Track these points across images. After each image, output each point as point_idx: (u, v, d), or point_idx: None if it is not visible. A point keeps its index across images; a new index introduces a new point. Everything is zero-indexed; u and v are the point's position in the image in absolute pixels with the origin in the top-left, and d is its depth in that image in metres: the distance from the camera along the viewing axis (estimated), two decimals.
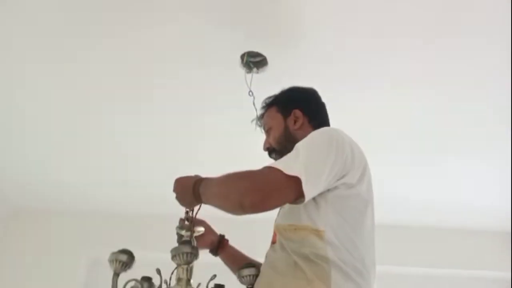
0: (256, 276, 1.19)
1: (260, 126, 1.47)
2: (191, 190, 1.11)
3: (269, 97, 1.43)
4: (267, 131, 1.39)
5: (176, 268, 1.15)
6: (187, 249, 1.11)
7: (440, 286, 3.22)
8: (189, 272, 1.14)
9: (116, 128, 2.40)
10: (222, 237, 1.43)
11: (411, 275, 3.20)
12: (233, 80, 1.96)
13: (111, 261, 1.16)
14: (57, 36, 1.81)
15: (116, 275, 1.15)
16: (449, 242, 3.19)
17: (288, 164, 1.01)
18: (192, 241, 1.20)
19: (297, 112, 1.33)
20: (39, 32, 1.80)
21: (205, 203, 1.11)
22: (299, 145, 1.07)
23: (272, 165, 1.02)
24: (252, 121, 1.53)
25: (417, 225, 3.20)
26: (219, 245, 1.41)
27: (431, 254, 3.16)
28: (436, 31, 1.72)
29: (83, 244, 3.07)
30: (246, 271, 1.20)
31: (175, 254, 1.12)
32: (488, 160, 2.50)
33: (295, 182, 0.97)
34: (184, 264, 1.10)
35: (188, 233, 1.21)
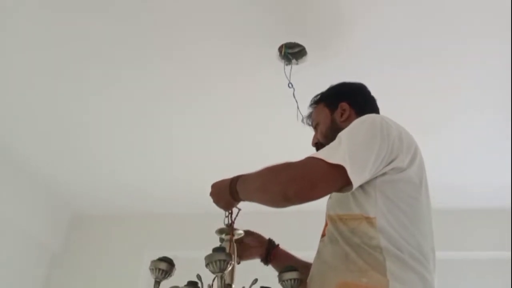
0: (298, 280, 1.12)
1: (309, 125, 1.46)
2: (227, 189, 1.11)
3: (317, 95, 1.43)
4: (315, 127, 1.39)
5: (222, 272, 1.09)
6: (220, 256, 1.06)
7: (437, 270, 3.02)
8: (228, 277, 1.11)
9: (173, 128, 2.45)
10: (271, 245, 1.35)
11: None
12: (273, 73, 1.96)
13: (151, 269, 1.16)
14: (119, 43, 1.89)
15: (157, 283, 1.15)
16: (446, 223, 2.91)
17: (330, 153, 0.99)
18: (232, 245, 1.18)
19: (344, 105, 1.31)
20: (99, 38, 1.87)
21: (244, 200, 1.10)
22: (341, 134, 1.05)
23: (314, 155, 1.01)
24: (302, 119, 1.51)
25: None
26: (269, 254, 1.34)
27: None
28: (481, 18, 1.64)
29: (144, 245, 3.15)
30: (288, 275, 1.13)
31: (208, 262, 1.06)
32: (487, 135, 2.36)
33: (339, 170, 0.95)
34: (219, 272, 1.05)
35: (228, 237, 1.20)
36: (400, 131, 1.08)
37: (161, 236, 3.15)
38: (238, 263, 1.24)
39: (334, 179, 0.97)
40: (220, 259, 1.05)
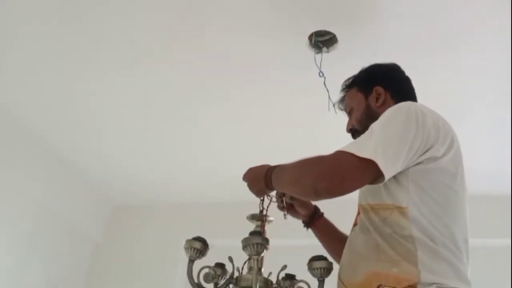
0: (327, 269, 1.16)
1: (341, 109, 1.42)
2: (262, 177, 1.12)
3: (348, 78, 1.38)
4: (349, 113, 1.34)
5: (248, 259, 1.15)
6: (257, 239, 1.10)
7: None
8: (260, 261, 1.14)
9: (204, 119, 2.48)
10: (316, 213, 1.39)
11: None
12: (303, 62, 1.95)
13: (186, 248, 1.21)
14: (136, 36, 1.93)
15: (191, 261, 1.20)
16: None
17: (361, 146, 0.97)
18: (263, 231, 1.21)
19: (378, 89, 1.27)
20: (114, 33, 1.92)
21: (277, 190, 1.12)
22: (374, 125, 1.03)
23: (344, 149, 0.99)
24: (334, 105, 1.48)
25: None
26: (313, 218, 1.38)
27: None
28: None
29: (181, 234, 3.22)
30: (317, 264, 1.17)
31: (245, 244, 1.11)
32: (487, 122, 2.28)
33: (370, 164, 0.94)
34: (255, 254, 1.10)
35: (259, 223, 1.23)
36: (437, 120, 1.06)
37: (195, 224, 3.19)
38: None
39: (364, 173, 0.96)
40: (257, 243, 1.09)
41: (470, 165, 2.64)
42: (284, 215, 1.34)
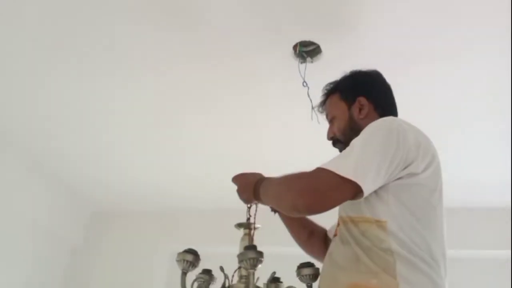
0: (316, 275, 1.18)
1: (321, 112, 1.42)
2: (252, 188, 1.14)
3: (331, 83, 1.38)
4: (331, 120, 1.34)
5: (239, 267, 1.18)
6: (252, 254, 1.13)
7: None
8: (252, 277, 1.16)
9: (190, 126, 2.48)
10: None
11: None
12: (287, 72, 1.97)
13: (179, 261, 1.22)
14: (134, 44, 1.93)
15: (184, 274, 1.22)
16: (446, 221, 2.90)
17: (341, 164, 0.98)
18: (251, 239, 1.23)
19: (362, 99, 1.26)
20: (106, 40, 1.91)
21: (263, 203, 1.13)
22: (354, 141, 1.04)
23: (325, 166, 1.00)
24: (313, 108, 1.48)
25: None
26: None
27: None
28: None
29: (160, 240, 3.21)
30: (306, 270, 1.20)
31: (242, 259, 1.13)
32: (487, 134, 2.32)
33: (350, 182, 0.95)
34: (251, 268, 1.12)
35: (247, 231, 1.25)
36: (418, 136, 1.07)
37: (176, 231, 3.20)
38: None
39: (344, 192, 0.98)
40: (252, 257, 1.12)
41: (470, 177, 2.67)
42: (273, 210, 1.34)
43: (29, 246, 2.84)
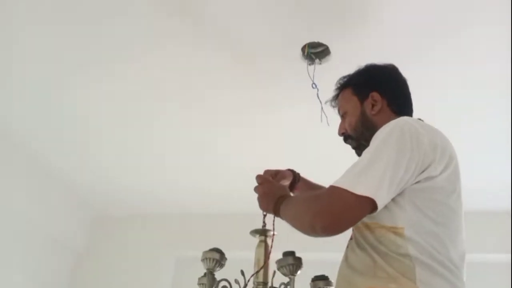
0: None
1: (333, 107, 1.37)
2: (273, 202, 1.12)
3: (344, 77, 1.33)
4: (342, 115, 1.30)
5: (256, 271, 1.16)
6: (291, 260, 1.13)
7: None
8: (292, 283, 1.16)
9: (193, 130, 2.47)
10: (295, 175, 1.43)
11: None
12: (296, 74, 1.95)
13: (204, 259, 1.19)
14: (123, 39, 1.91)
15: (210, 273, 1.18)
16: None
17: (356, 182, 0.95)
18: (266, 246, 1.22)
19: (375, 95, 1.22)
20: (99, 35, 1.91)
21: (282, 219, 1.12)
22: (365, 153, 1.00)
23: (339, 184, 0.97)
24: (326, 102, 1.42)
25: None
26: (294, 183, 1.41)
27: None
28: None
29: (164, 245, 3.19)
30: (321, 283, 1.19)
31: (281, 265, 1.13)
32: (487, 137, 2.29)
33: (366, 200, 0.93)
34: (291, 274, 1.12)
35: (262, 237, 1.23)
36: (434, 137, 1.03)
37: (181, 236, 3.18)
38: None
39: (360, 211, 0.96)
40: (292, 263, 1.13)
41: (469, 182, 2.66)
42: None
43: (32, 252, 2.83)
